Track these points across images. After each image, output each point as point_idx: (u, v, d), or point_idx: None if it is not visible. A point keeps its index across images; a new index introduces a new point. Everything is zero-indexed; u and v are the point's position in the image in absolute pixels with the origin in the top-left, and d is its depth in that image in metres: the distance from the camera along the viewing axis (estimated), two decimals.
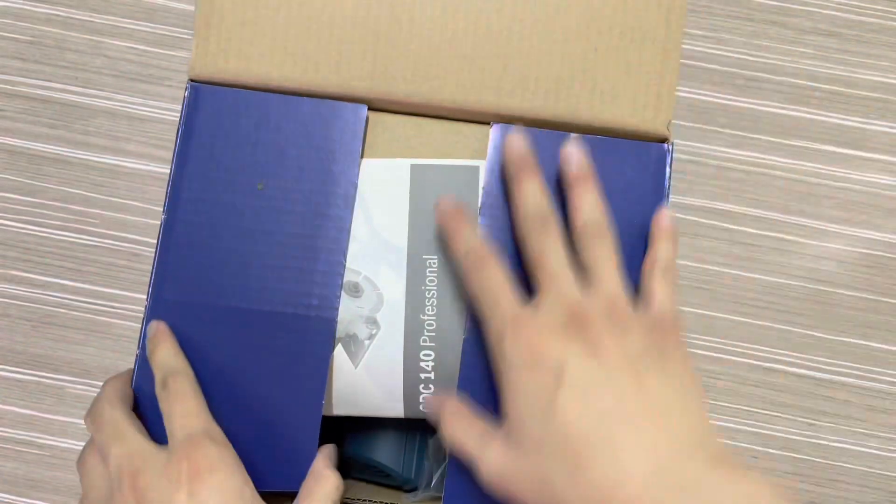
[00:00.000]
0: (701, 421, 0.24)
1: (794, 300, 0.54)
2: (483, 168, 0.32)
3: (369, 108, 0.33)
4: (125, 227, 0.52)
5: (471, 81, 0.32)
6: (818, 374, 0.53)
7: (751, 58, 0.56)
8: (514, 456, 0.24)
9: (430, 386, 0.31)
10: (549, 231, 0.27)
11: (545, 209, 0.28)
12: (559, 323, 0.25)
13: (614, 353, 0.24)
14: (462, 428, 0.27)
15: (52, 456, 0.51)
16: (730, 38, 0.56)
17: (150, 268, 0.31)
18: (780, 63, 0.56)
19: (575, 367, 0.24)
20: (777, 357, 0.53)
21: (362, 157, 0.32)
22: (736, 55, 0.56)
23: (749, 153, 0.55)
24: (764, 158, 0.55)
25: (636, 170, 0.32)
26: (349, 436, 0.39)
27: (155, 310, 0.30)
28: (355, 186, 0.31)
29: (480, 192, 0.32)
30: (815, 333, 0.54)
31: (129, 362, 0.33)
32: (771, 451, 0.52)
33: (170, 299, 0.30)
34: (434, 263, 0.31)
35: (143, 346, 0.30)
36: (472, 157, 0.32)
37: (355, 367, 0.31)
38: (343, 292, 0.31)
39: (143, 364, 0.30)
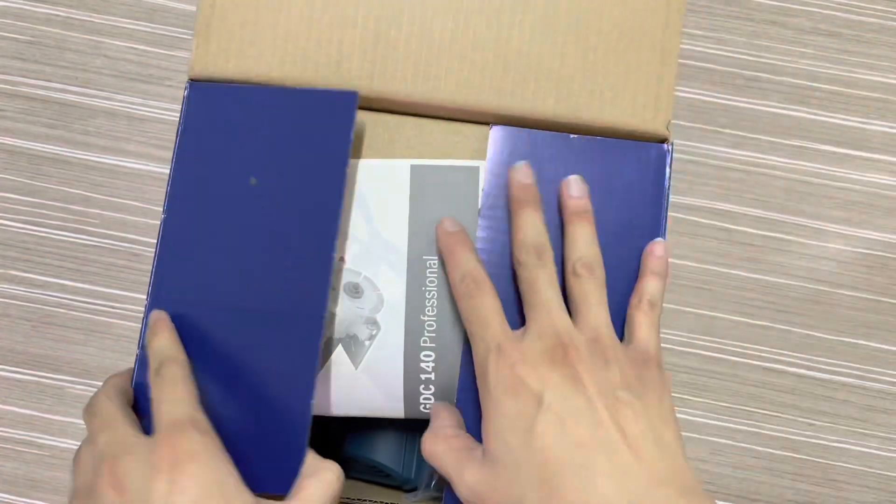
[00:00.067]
0: (675, 453, 0.25)
1: (794, 300, 0.54)
2: (483, 169, 0.32)
3: (369, 109, 0.33)
4: (125, 227, 0.52)
5: (471, 81, 0.32)
6: (818, 374, 0.53)
7: (751, 58, 0.56)
8: (490, 476, 0.25)
9: (431, 386, 0.31)
10: (543, 262, 0.28)
11: (542, 242, 0.29)
12: (543, 351, 0.26)
13: (595, 383, 0.25)
14: (442, 448, 0.28)
15: (52, 456, 0.51)
16: (730, 38, 0.56)
17: (150, 268, 0.31)
18: (780, 63, 0.56)
19: (555, 394, 0.25)
20: (777, 357, 0.53)
21: (361, 155, 0.32)
22: (736, 55, 0.56)
23: (749, 153, 0.55)
24: (764, 158, 0.55)
25: (636, 170, 0.32)
26: (349, 436, 0.39)
27: (156, 308, 0.30)
28: (344, 173, 0.30)
29: (480, 193, 0.32)
30: (815, 333, 0.54)
31: (129, 362, 0.33)
32: (771, 451, 0.52)
33: (170, 299, 0.30)
34: (434, 264, 0.31)
35: (142, 346, 0.30)
36: (472, 157, 0.32)
37: (355, 368, 0.31)
38: (343, 292, 0.31)
39: (143, 363, 0.30)
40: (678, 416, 0.28)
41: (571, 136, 0.32)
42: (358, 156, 0.32)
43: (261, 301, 0.30)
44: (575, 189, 0.30)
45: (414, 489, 0.37)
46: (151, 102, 0.54)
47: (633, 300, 0.30)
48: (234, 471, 0.26)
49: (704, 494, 0.24)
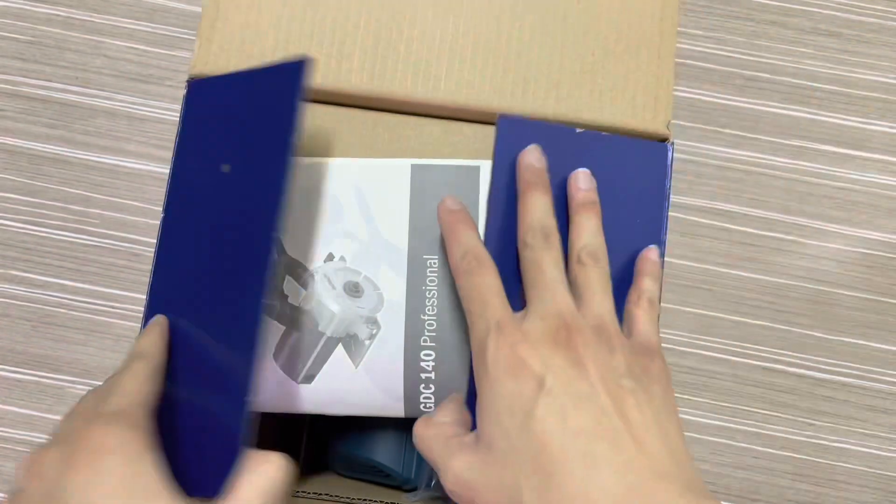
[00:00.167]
0: (679, 447, 0.24)
1: (794, 300, 0.54)
2: (483, 168, 0.32)
3: (369, 108, 0.33)
4: (125, 227, 0.52)
5: (471, 81, 0.32)
6: (818, 374, 0.53)
7: (751, 58, 0.56)
8: (480, 462, 0.24)
9: (431, 386, 0.31)
10: (549, 246, 0.28)
11: (550, 225, 0.28)
12: (546, 331, 0.25)
13: (599, 369, 0.24)
14: (432, 433, 0.27)
15: None
16: (730, 38, 0.56)
17: (150, 268, 0.31)
18: (780, 63, 0.56)
19: (557, 378, 0.24)
20: (777, 357, 0.53)
21: (356, 153, 0.32)
22: (736, 55, 0.56)
23: (749, 153, 0.55)
24: (764, 158, 0.55)
25: (640, 167, 0.31)
26: (349, 436, 0.39)
27: (154, 309, 0.30)
28: (288, 145, 0.28)
29: (481, 192, 0.32)
30: (815, 333, 0.54)
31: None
32: (771, 451, 0.52)
33: (169, 299, 0.30)
34: (434, 263, 0.31)
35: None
36: (472, 157, 0.32)
37: (356, 368, 0.31)
38: (343, 292, 0.31)
39: None
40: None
41: (578, 129, 0.31)
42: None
43: (208, 295, 0.29)
44: (583, 182, 0.30)
45: (414, 489, 0.37)
46: (151, 102, 0.54)
47: (632, 297, 0.29)
48: (159, 469, 0.24)
49: (708, 492, 0.23)
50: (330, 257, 0.32)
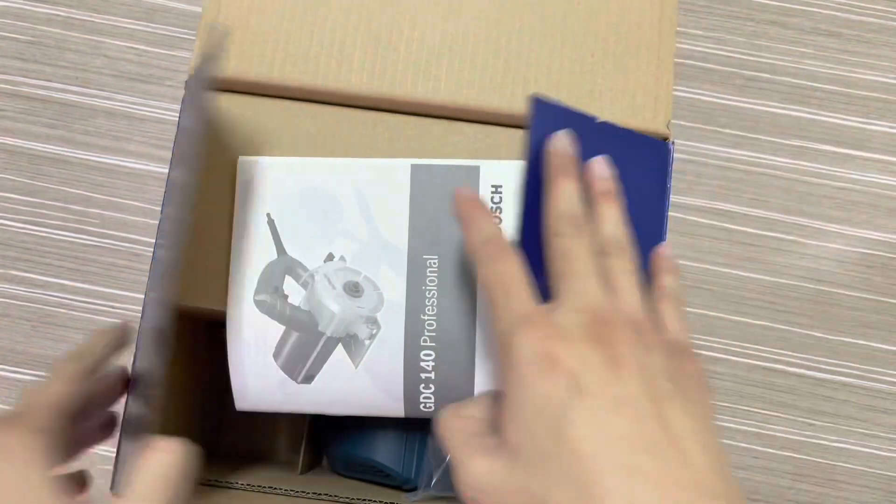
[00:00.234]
0: (721, 459, 0.22)
1: (794, 300, 0.54)
2: (483, 168, 0.32)
3: (370, 108, 0.33)
4: (125, 227, 0.52)
5: (471, 82, 0.32)
6: (818, 374, 0.53)
7: (751, 58, 0.56)
8: (506, 468, 0.22)
9: (431, 386, 0.31)
10: (580, 234, 0.26)
11: (579, 213, 0.26)
12: (579, 326, 0.23)
13: (637, 369, 0.22)
14: (456, 424, 0.25)
15: None
16: (730, 38, 0.56)
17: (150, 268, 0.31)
18: (780, 63, 0.56)
19: (593, 378, 0.21)
20: (777, 357, 0.53)
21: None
22: (736, 55, 0.56)
23: (749, 153, 0.55)
24: (764, 158, 0.55)
25: (642, 163, 0.31)
26: (349, 436, 0.39)
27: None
28: (205, 108, 0.28)
29: (483, 189, 0.32)
30: (815, 333, 0.54)
31: (128, 362, 0.33)
32: (771, 451, 0.52)
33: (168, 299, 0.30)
34: (434, 263, 0.31)
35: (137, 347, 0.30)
36: (472, 157, 0.32)
37: (355, 367, 0.31)
38: (343, 292, 0.31)
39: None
40: None
41: (597, 119, 0.30)
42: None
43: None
44: (604, 170, 0.28)
45: (414, 489, 0.37)
46: (151, 102, 0.54)
47: (656, 294, 0.27)
48: (47, 472, 0.24)
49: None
50: (330, 257, 0.32)
